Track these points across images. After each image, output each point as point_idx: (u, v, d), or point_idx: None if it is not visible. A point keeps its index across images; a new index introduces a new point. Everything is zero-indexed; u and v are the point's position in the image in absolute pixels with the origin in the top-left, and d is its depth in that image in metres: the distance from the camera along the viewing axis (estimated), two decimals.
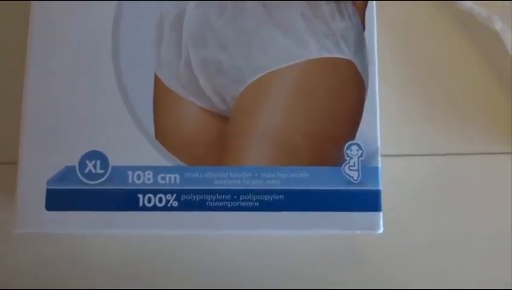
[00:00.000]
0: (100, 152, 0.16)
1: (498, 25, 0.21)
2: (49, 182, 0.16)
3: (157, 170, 0.16)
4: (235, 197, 0.16)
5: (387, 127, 0.19)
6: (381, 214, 0.16)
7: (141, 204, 0.15)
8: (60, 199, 0.16)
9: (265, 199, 0.16)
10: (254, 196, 0.16)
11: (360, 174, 0.16)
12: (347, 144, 0.16)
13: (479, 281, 0.20)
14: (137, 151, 0.16)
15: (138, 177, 0.16)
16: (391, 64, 0.21)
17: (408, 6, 0.22)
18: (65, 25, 0.17)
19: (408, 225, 0.20)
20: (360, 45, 0.16)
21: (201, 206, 0.16)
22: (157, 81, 0.16)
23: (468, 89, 0.22)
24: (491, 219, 0.21)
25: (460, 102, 0.22)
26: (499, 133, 0.22)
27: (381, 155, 0.18)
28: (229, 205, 0.16)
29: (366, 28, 0.17)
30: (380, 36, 0.18)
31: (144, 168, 0.16)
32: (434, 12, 0.22)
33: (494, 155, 0.22)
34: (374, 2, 0.17)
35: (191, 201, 0.16)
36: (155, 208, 0.15)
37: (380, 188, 0.16)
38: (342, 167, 0.16)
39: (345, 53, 0.16)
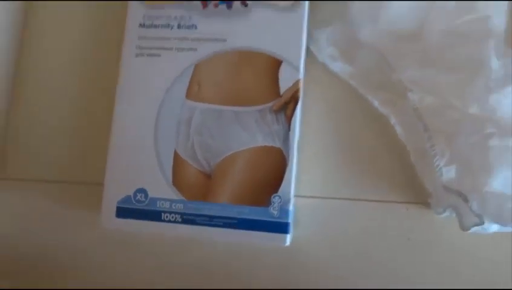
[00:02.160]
0: (145, 189, 0.30)
1: (392, 120, 0.33)
2: (118, 202, 0.30)
3: (172, 201, 0.30)
4: (211, 219, 0.29)
5: (307, 178, 0.32)
6: (288, 235, 0.29)
7: (162, 218, 0.30)
8: (123, 212, 0.30)
9: (227, 221, 0.29)
10: (221, 219, 0.29)
11: (279, 212, 0.29)
12: (273, 195, 0.29)
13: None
14: (162, 190, 0.30)
15: (162, 204, 0.30)
16: (317, 135, 0.33)
17: (335, 92, 0.34)
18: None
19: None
20: (286, 140, 0.29)
21: (193, 222, 0.29)
22: (176, 153, 0.30)
23: (375, 155, 0.34)
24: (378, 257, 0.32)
25: (366, 163, 0.33)
26: (394, 185, 0.33)
27: (301, 196, 0.31)
28: (207, 223, 0.29)
29: (290, 129, 0.29)
30: (311, 113, 0.31)
31: (165, 200, 0.30)
32: (351, 100, 0.34)
33: (388, 203, 0.33)
34: (298, 116, 0.30)
35: (188, 219, 0.29)
36: (169, 221, 0.29)
37: (289, 221, 0.29)
38: (269, 208, 0.29)
39: (277, 144, 0.29)
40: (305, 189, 0.33)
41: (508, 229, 0.29)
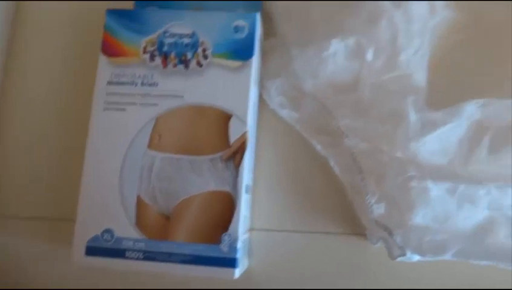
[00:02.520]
0: (111, 229, 0.34)
1: (331, 162, 0.37)
2: (87, 242, 0.34)
3: (135, 240, 0.34)
4: (170, 255, 0.33)
5: (262, 213, 0.37)
6: (237, 269, 0.33)
7: (126, 256, 0.34)
8: (92, 250, 0.34)
9: (183, 258, 0.33)
10: (178, 256, 0.33)
11: (228, 249, 0.33)
12: (223, 234, 0.33)
13: None
14: (127, 230, 0.34)
15: (127, 242, 0.34)
16: (269, 175, 0.38)
17: (285, 135, 0.39)
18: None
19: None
20: (235, 185, 0.34)
21: (154, 259, 0.33)
22: (138, 196, 0.34)
23: (320, 192, 0.38)
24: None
25: (313, 199, 0.38)
26: (337, 219, 0.38)
27: (256, 229, 0.36)
28: (166, 260, 0.33)
29: (238, 176, 0.34)
30: (264, 153, 0.36)
31: (129, 238, 0.34)
32: (298, 142, 0.38)
33: (331, 234, 0.38)
34: (245, 164, 0.34)
35: (149, 256, 0.33)
36: (133, 258, 0.33)
37: (237, 257, 0.33)
38: (220, 245, 0.33)
39: (227, 188, 0.34)
40: (259, 223, 0.38)
41: (427, 259, 0.33)
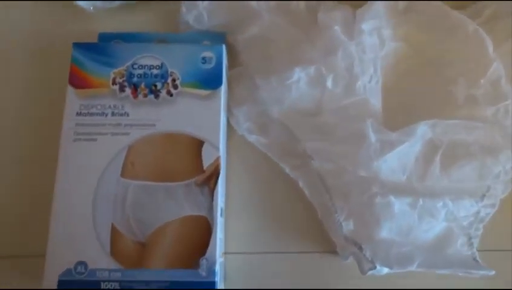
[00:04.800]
0: (84, 261, 0.33)
1: (301, 183, 0.39)
2: (60, 275, 0.33)
3: (110, 270, 0.33)
4: (147, 283, 0.33)
5: (236, 237, 0.37)
6: None
7: (102, 287, 0.33)
8: (64, 284, 0.33)
9: (161, 284, 0.33)
10: (156, 283, 0.33)
11: (206, 273, 0.33)
12: (201, 258, 0.33)
13: None
14: (101, 261, 0.33)
15: (101, 274, 0.33)
16: (242, 199, 0.40)
17: (255, 159, 0.41)
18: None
19: None
20: (210, 209, 0.34)
21: (131, 288, 0.33)
22: (113, 225, 0.34)
23: (292, 213, 0.40)
24: None
25: (285, 220, 0.39)
26: (309, 238, 0.39)
27: (231, 253, 0.36)
28: (144, 288, 0.33)
29: (213, 200, 0.35)
30: (235, 178, 0.37)
31: (104, 270, 0.33)
32: (269, 165, 0.40)
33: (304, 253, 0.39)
34: (220, 188, 0.35)
35: (126, 286, 0.33)
36: (108, 289, 0.33)
37: (216, 280, 0.33)
38: (198, 270, 0.33)
39: (203, 213, 0.34)
40: (233, 246, 0.38)
41: (396, 270, 0.35)
